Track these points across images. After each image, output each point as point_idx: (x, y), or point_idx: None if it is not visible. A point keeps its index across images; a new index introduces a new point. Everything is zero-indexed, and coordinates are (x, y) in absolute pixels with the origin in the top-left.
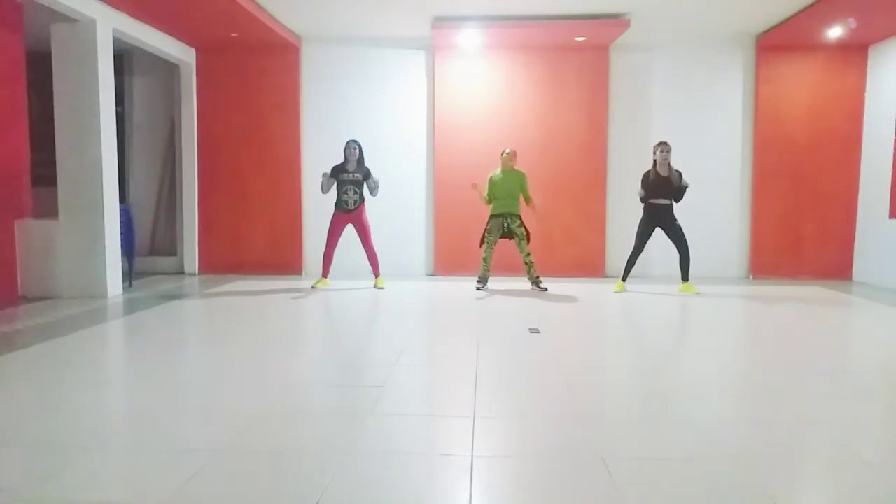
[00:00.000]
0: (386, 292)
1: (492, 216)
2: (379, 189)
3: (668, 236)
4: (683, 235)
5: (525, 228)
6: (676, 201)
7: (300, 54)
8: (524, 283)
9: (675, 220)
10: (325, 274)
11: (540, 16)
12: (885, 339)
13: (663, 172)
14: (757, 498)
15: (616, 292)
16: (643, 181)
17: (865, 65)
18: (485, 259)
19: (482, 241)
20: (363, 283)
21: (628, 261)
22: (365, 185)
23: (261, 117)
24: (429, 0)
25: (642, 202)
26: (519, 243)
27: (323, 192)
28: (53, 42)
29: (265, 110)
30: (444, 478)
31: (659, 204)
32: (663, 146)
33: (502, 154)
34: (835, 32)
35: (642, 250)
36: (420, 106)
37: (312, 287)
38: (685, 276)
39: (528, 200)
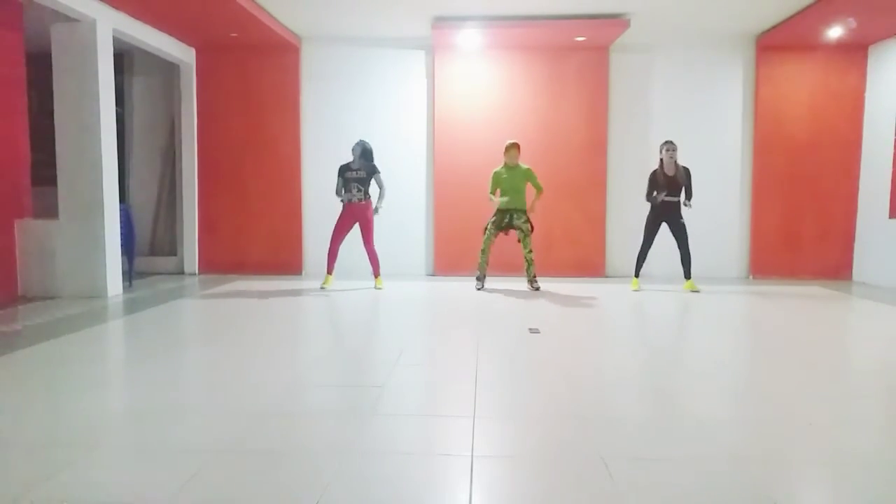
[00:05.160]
0: (386, 292)
1: (497, 211)
2: (384, 193)
3: (672, 232)
4: (686, 234)
5: (530, 223)
6: (688, 198)
7: (300, 54)
8: (523, 283)
9: (681, 217)
10: (329, 271)
11: (540, 16)
12: (884, 339)
13: (670, 172)
14: (757, 498)
15: (634, 290)
16: (652, 181)
17: (865, 65)
18: (483, 251)
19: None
20: (363, 284)
21: (638, 257)
22: (373, 180)
23: (261, 117)
24: (429, 0)
25: (652, 202)
26: (523, 239)
27: (337, 194)
28: (53, 42)
29: (265, 110)
30: (444, 478)
31: (668, 201)
32: (669, 145)
33: (506, 149)
34: (835, 32)
35: (651, 246)
36: (420, 106)
37: (321, 287)
38: (688, 274)
39: (539, 190)
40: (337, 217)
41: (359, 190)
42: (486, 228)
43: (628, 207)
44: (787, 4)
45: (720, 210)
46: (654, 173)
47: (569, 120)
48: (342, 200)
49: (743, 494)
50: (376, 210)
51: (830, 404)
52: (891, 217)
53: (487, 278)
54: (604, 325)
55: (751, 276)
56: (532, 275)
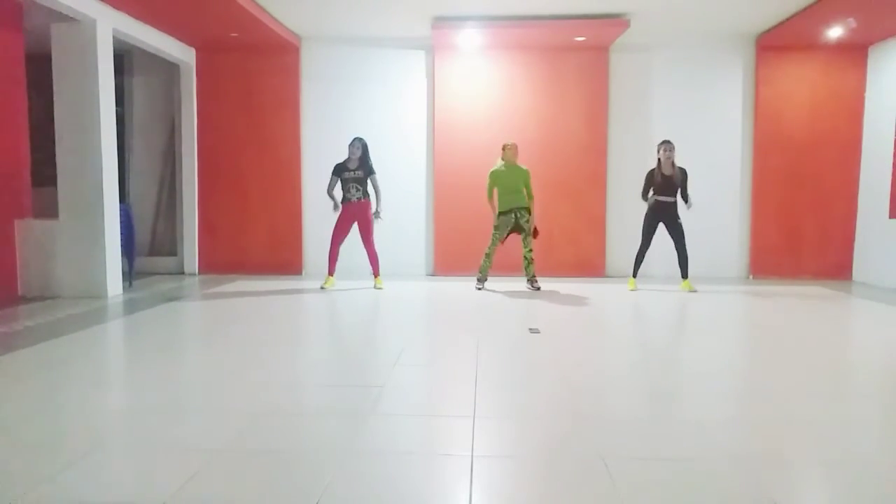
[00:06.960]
0: (386, 292)
1: (500, 213)
2: (381, 196)
3: (669, 233)
4: (683, 235)
5: (535, 228)
6: (685, 200)
7: (300, 54)
8: (523, 283)
9: (679, 217)
10: (330, 272)
11: (540, 16)
12: (884, 339)
13: (667, 172)
14: (757, 498)
15: (631, 290)
16: (648, 179)
17: (865, 65)
18: (487, 255)
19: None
20: (363, 284)
21: (636, 258)
22: (369, 181)
23: (261, 117)
24: (429, 0)
25: (645, 201)
26: (525, 238)
27: (329, 193)
28: (53, 42)
29: (265, 110)
30: (444, 478)
31: (664, 201)
32: (667, 146)
33: (504, 148)
34: (835, 32)
35: (649, 246)
36: (420, 106)
37: (321, 288)
38: (685, 274)
39: (530, 197)
40: (336, 218)
41: (357, 189)
42: (494, 230)
43: (628, 208)
44: (787, 4)
45: (720, 210)
46: (651, 172)
47: (569, 120)
48: (336, 200)
49: (743, 494)
50: (377, 214)
51: (830, 404)
52: (891, 217)
53: (488, 278)
54: (604, 325)
55: (751, 276)
56: (531, 274)
